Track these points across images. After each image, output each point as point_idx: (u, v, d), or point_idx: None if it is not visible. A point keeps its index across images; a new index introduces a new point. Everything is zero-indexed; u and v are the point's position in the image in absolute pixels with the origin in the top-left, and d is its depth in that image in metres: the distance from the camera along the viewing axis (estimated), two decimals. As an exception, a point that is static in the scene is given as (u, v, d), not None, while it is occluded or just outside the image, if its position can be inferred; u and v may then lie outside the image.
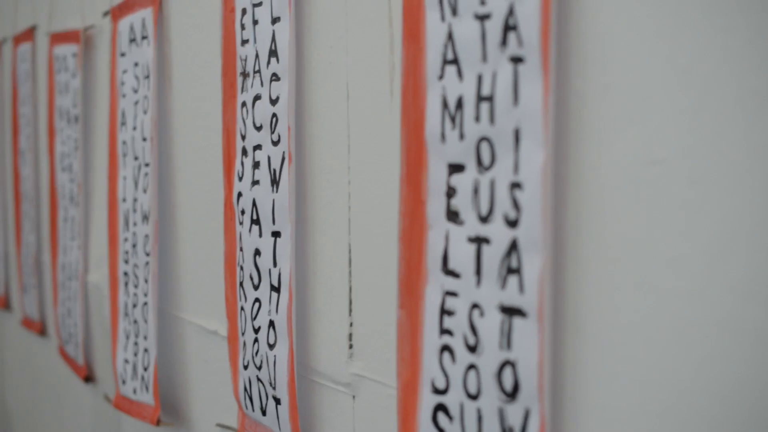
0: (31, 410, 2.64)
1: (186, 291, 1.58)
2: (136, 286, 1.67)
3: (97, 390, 2.04)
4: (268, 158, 1.22)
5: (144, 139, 1.63)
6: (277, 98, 1.20)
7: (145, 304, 1.64)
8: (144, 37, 1.63)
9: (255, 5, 1.25)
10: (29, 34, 2.43)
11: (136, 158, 1.67)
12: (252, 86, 1.26)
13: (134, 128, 1.67)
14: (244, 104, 1.28)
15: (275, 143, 1.21)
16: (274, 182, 1.21)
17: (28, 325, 2.55)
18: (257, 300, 1.26)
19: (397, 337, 0.96)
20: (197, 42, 1.49)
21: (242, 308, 1.31)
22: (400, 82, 0.95)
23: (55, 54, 2.16)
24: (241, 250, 1.30)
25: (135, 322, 1.68)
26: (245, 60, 1.28)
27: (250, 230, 1.27)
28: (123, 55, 1.72)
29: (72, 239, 2.10)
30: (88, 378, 2.07)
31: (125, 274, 1.72)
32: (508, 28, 0.83)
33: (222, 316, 1.37)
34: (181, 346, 1.59)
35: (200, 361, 1.52)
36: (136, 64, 1.67)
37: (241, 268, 1.30)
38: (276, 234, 1.21)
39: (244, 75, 1.28)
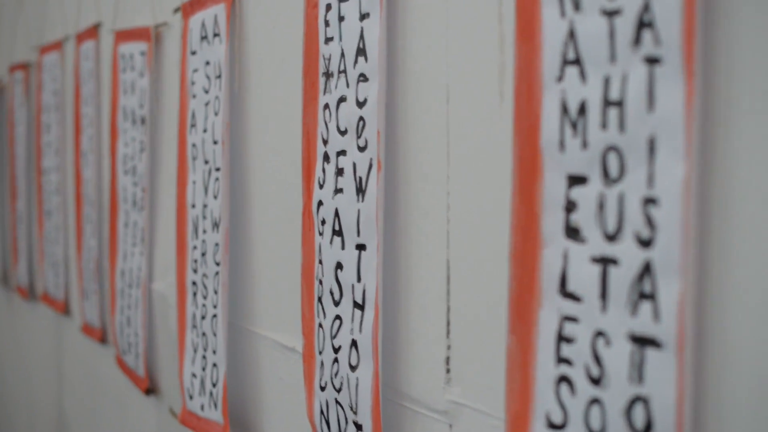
0: (91, 420, 2.59)
1: (261, 304, 1.50)
2: (205, 297, 1.60)
3: (161, 402, 1.97)
4: (354, 165, 1.14)
5: (215, 142, 1.56)
6: (365, 100, 1.12)
7: (215, 316, 1.56)
8: (216, 35, 1.56)
9: (341, 0, 1.17)
10: (93, 31, 2.37)
11: (206, 162, 1.60)
12: (336, 87, 1.18)
13: (204, 130, 1.60)
14: (326, 106, 1.20)
15: (361, 149, 1.13)
16: (360, 191, 1.13)
17: (88, 332, 2.49)
18: (338, 317, 1.18)
19: (507, 364, 0.88)
20: (275, 40, 1.42)
21: (320, 325, 1.22)
22: (513, 84, 0.87)
23: (120, 52, 2.09)
24: (320, 262, 1.22)
25: (203, 334, 1.61)
26: (329, 59, 1.20)
27: (331, 242, 1.19)
28: (194, 53, 1.64)
29: (134, 245, 2.03)
30: (150, 390, 2.00)
31: (194, 283, 1.64)
32: (643, 24, 0.75)
33: (301, 331, 1.30)
34: (255, 363, 1.52)
35: (275, 379, 1.45)
36: (207, 63, 1.59)
37: (320, 283, 1.22)
38: (361, 247, 1.13)
39: (327, 75, 1.20)
